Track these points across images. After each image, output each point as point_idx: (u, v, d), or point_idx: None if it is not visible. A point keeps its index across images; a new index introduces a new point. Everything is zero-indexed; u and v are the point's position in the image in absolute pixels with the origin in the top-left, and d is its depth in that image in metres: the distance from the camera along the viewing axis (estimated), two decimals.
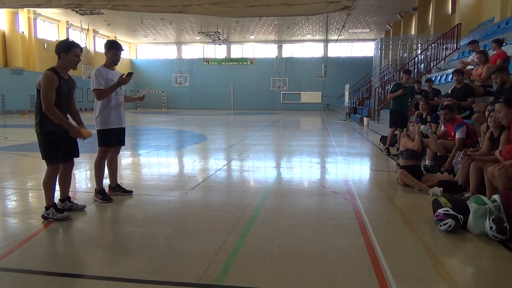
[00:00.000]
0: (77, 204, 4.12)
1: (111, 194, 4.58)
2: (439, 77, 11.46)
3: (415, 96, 8.79)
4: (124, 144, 4.75)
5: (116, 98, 4.44)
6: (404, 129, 6.78)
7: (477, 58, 7.41)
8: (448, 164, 5.38)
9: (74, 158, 4.03)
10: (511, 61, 7.41)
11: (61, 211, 3.82)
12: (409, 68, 12.96)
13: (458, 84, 6.98)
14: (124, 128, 4.67)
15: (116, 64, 4.49)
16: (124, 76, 4.31)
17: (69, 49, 3.69)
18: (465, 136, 5.51)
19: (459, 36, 13.97)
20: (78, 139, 3.90)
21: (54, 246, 3.36)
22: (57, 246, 3.37)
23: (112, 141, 4.48)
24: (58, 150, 3.72)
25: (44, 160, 3.77)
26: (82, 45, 30.43)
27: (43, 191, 3.80)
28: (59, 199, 4.02)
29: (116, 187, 4.71)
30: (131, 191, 4.80)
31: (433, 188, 4.76)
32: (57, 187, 3.94)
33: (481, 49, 8.44)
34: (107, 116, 4.38)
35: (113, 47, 4.38)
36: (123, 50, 4.56)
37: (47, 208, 3.75)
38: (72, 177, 4.17)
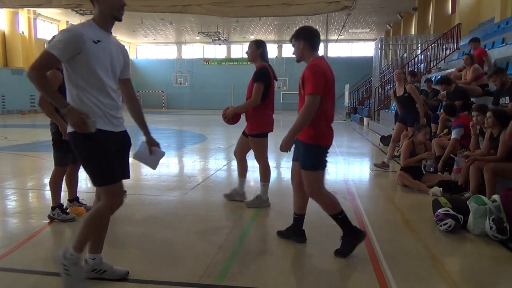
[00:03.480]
0: (86, 204, 4.11)
1: None
2: (439, 77, 11.44)
3: None
4: None
5: None
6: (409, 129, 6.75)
7: (463, 60, 7.50)
8: (442, 164, 5.41)
9: None
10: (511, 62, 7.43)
11: (67, 212, 3.81)
12: (414, 70, 13.01)
13: (449, 89, 6.97)
14: None
15: None
16: None
17: None
18: (461, 138, 5.51)
19: (459, 36, 13.96)
20: None
21: (54, 246, 3.35)
22: (57, 246, 3.36)
23: None
24: (68, 152, 3.69)
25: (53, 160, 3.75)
26: None
27: (43, 191, 3.81)
28: (68, 199, 4.02)
29: None
30: (125, 191, 4.79)
31: (433, 188, 4.76)
32: (65, 188, 3.92)
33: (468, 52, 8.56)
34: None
35: None
36: None
37: (53, 208, 3.74)
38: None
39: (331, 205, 2.97)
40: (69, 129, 2.29)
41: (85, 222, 2.37)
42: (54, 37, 2.43)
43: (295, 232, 3.24)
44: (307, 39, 2.93)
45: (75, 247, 2.33)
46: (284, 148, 2.88)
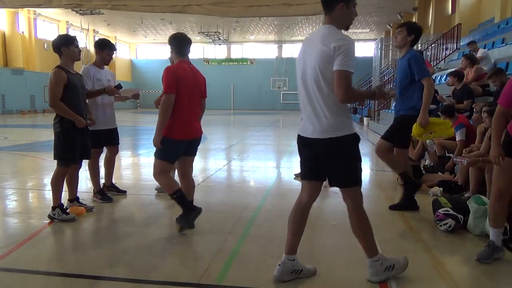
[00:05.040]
0: (86, 204, 4.10)
1: (106, 192, 4.58)
2: (439, 77, 11.44)
3: None
4: (118, 143, 4.66)
5: (102, 98, 4.34)
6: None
7: (462, 62, 7.60)
8: (450, 164, 5.41)
9: (84, 160, 4.02)
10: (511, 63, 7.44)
11: (67, 212, 3.81)
12: None
13: (457, 86, 6.97)
14: (115, 128, 4.57)
15: (108, 64, 4.46)
16: (113, 87, 4.27)
17: (70, 42, 3.68)
18: (465, 138, 5.51)
19: (459, 36, 13.96)
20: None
21: (54, 246, 3.36)
22: (57, 246, 3.37)
23: (102, 142, 4.39)
24: (73, 152, 3.70)
25: (55, 160, 3.73)
26: (82, 45, 30.47)
27: (43, 191, 3.81)
28: (68, 199, 4.01)
29: (110, 186, 4.72)
30: (125, 191, 4.80)
31: (433, 188, 4.76)
32: (65, 188, 3.91)
33: (467, 53, 8.58)
34: (94, 116, 4.22)
35: (107, 46, 4.37)
36: (116, 49, 4.57)
37: (53, 208, 3.73)
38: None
39: (168, 186, 3.36)
40: (338, 133, 2.38)
41: (361, 229, 2.62)
42: (342, 53, 2.22)
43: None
44: (174, 46, 3.49)
45: (372, 253, 2.54)
46: (154, 144, 3.30)
